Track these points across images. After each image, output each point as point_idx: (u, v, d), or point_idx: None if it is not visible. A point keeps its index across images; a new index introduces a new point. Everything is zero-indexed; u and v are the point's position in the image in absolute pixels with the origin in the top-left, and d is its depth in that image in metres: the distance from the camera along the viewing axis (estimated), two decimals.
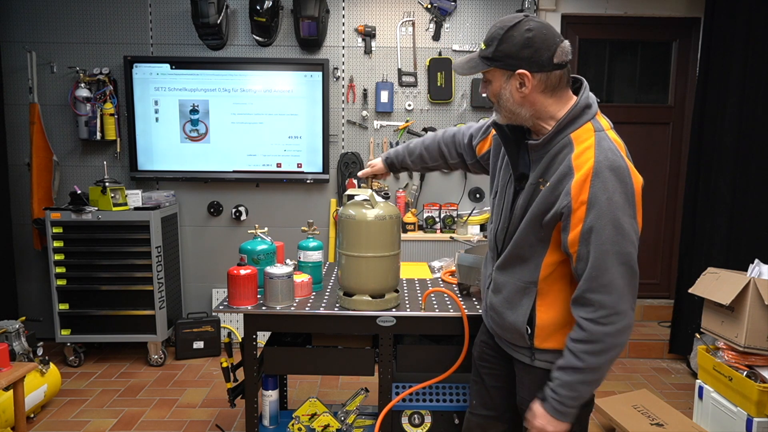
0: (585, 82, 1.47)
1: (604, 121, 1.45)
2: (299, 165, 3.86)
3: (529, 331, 1.49)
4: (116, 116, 3.73)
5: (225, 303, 2.08)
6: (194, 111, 3.79)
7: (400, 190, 3.90)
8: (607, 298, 1.31)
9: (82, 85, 3.67)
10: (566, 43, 1.37)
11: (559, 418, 1.39)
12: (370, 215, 1.88)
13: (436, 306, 2.06)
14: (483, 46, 1.41)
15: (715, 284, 2.69)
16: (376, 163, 2.01)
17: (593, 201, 1.31)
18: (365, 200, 1.93)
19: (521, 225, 1.47)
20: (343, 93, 3.88)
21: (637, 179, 1.37)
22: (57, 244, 3.43)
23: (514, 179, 1.52)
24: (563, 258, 1.43)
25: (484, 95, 1.48)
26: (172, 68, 3.75)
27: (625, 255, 1.31)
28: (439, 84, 3.82)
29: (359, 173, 2.05)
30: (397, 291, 2.05)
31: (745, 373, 2.49)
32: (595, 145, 1.36)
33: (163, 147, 3.82)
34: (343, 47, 3.85)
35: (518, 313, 1.50)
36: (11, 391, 2.44)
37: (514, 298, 1.52)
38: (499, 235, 1.57)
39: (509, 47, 1.35)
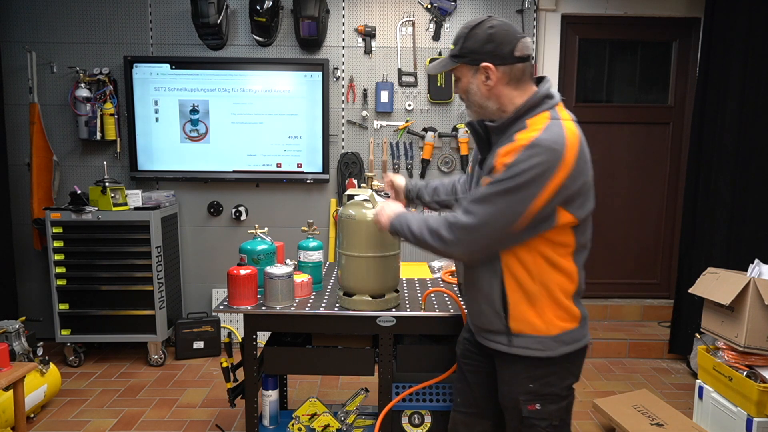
0: (549, 78, 1.55)
1: (564, 113, 1.49)
2: (299, 165, 3.86)
3: (503, 312, 1.53)
4: (116, 116, 3.73)
5: (225, 303, 2.08)
6: (194, 111, 3.79)
7: None
8: (465, 217, 1.44)
9: (82, 85, 3.67)
10: (527, 39, 1.48)
11: (391, 220, 1.65)
12: (370, 215, 1.88)
13: (436, 306, 2.06)
14: (452, 46, 1.54)
15: (715, 284, 2.69)
16: (399, 182, 1.99)
17: (511, 165, 1.38)
18: (365, 200, 1.93)
19: None
20: (343, 93, 3.88)
21: (564, 169, 1.38)
22: (57, 244, 3.43)
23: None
24: None
25: (457, 94, 1.54)
26: (172, 68, 3.75)
27: (499, 209, 1.40)
28: (439, 84, 3.82)
29: (383, 184, 2.05)
30: (397, 291, 2.05)
31: (745, 373, 2.49)
32: (545, 127, 1.42)
33: (163, 147, 3.82)
34: (343, 47, 3.85)
35: (490, 292, 1.54)
36: (11, 391, 2.44)
37: (483, 277, 1.56)
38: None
39: (473, 43, 1.47)
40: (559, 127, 1.42)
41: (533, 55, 1.48)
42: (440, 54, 3.82)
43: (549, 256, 1.48)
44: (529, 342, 1.51)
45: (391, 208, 1.70)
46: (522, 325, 1.52)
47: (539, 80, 1.55)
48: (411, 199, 2.00)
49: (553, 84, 1.54)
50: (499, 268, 1.51)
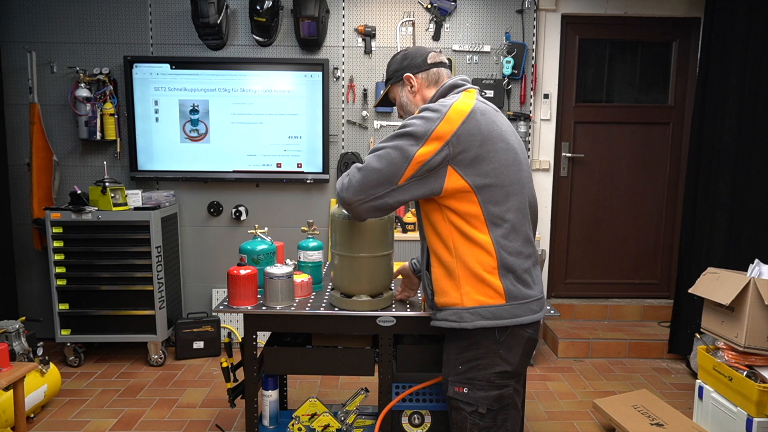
0: (461, 76, 1.74)
1: (469, 95, 1.63)
2: (299, 165, 3.86)
3: (431, 287, 1.66)
4: (116, 116, 3.73)
5: (225, 303, 2.08)
6: (194, 111, 3.79)
7: None
8: (355, 165, 1.60)
9: (82, 85, 3.67)
10: (438, 51, 1.77)
11: None
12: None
13: None
14: (385, 79, 1.82)
15: (715, 284, 2.69)
16: (403, 270, 2.05)
17: (404, 121, 1.59)
18: None
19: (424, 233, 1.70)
20: (343, 93, 3.88)
21: (445, 125, 1.51)
22: (57, 244, 3.43)
23: None
24: (432, 206, 1.60)
25: (400, 117, 1.80)
26: (172, 68, 3.75)
27: (383, 152, 1.53)
28: None
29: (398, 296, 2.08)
30: (391, 289, 2.05)
31: (745, 373, 2.49)
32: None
33: (163, 147, 3.82)
34: (343, 47, 3.85)
35: (425, 270, 1.69)
36: (11, 391, 2.44)
37: (423, 258, 1.72)
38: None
39: (394, 65, 1.76)
40: (451, 99, 1.59)
41: (446, 62, 1.74)
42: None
43: (461, 227, 1.55)
44: (448, 314, 1.61)
45: None
46: (443, 299, 1.62)
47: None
48: (417, 272, 2.03)
49: (465, 77, 1.74)
50: (426, 246, 1.66)
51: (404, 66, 1.73)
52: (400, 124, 1.61)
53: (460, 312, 1.57)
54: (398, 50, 1.84)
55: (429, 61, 1.72)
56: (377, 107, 1.89)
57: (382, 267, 1.94)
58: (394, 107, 2.10)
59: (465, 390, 1.58)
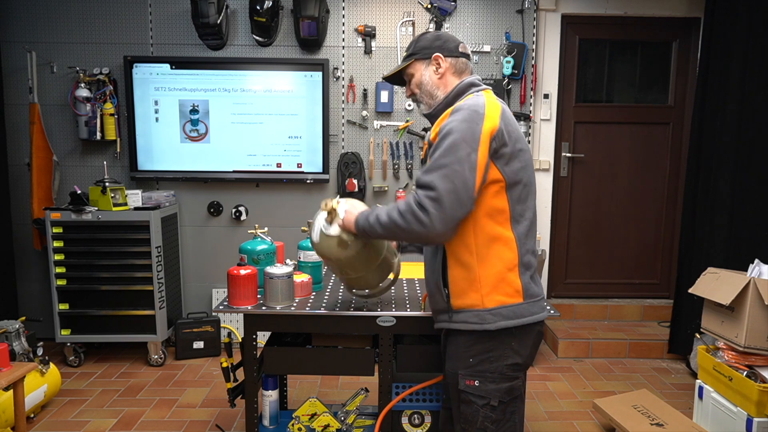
0: (476, 75, 1.74)
1: (489, 94, 1.62)
2: (299, 165, 3.86)
3: (446, 290, 1.61)
4: (116, 116, 3.73)
5: (225, 303, 2.08)
6: (194, 111, 3.79)
7: (400, 190, 3.90)
8: (422, 192, 1.49)
9: (82, 85, 3.67)
10: (465, 44, 1.74)
11: (355, 222, 1.65)
12: (334, 231, 1.70)
13: None
14: (405, 53, 1.78)
15: (715, 284, 2.69)
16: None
17: (442, 129, 1.53)
18: (325, 219, 1.73)
19: None
20: (343, 93, 3.88)
21: (489, 122, 1.51)
22: (57, 244, 3.43)
23: None
24: None
25: (408, 96, 1.79)
26: (172, 68, 3.75)
27: (449, 169, 1.46)
28: None
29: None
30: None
31: (745, 373, 2.49)
32: (465, 100, 1.59)
33: (163, 147, 3.82)
34: (343, 47, 3.85)
35: (435, 270, 1.64)
36: (11, 391, 2.44)
37: (431, 259, 1.68)
38: None
39: (424, 42, 1.72)
40: (479, 96, 1.58)
41: (471, 57, 1.72)
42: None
43: (486, 224, 1.54)
44: (468, 316, 1.57)
45: (351, 210, 1.68)
46: (461, 301, 1.58)
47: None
48: None
49: (480, 79, 1.74)
50: (441, 247, 1.61)
51: (436, 45, 1.69)
52: (438, 131, 1.55)
53: (481, 314, 1.56)
54: (426, 31, 1.82)
55: (460, 50, 1.71)
56: (386, 79, 1.85)
57: (385, 269, 1.92)
58: (395, 86, 2.09)
59: (476, 383, 1.57)
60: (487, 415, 1.58)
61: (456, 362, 1.62)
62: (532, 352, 1.63)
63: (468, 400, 1.59)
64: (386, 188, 3.90)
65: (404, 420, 2.10)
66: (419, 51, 1.72)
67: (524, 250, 1.57)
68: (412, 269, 2.65)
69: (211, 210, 3.95)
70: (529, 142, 3.93)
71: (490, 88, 1.72)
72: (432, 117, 1.70)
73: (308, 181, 3.87)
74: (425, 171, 1.51)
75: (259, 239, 2.21)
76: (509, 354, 1.57)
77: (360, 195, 3.84)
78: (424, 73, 1.71)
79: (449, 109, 1.58)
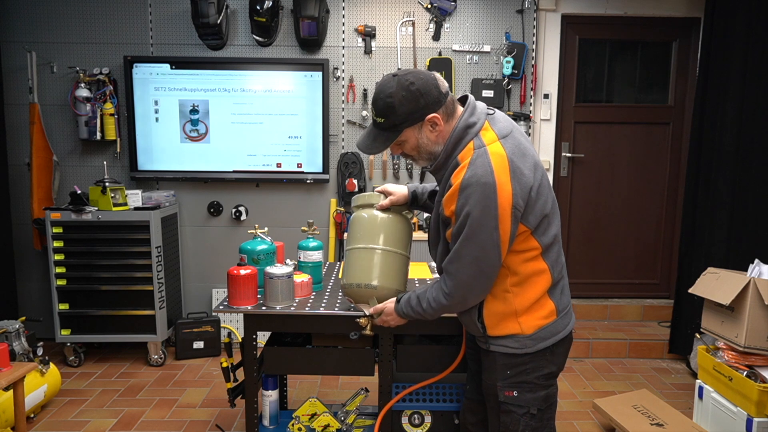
0: (470, 99, 1.57)
1: (489, 135, 1.51)
2: (299, 165, 3.86)
3: (481, 324, 1.60)
4: (116, 116, 3.73)
5: (225, 303, 2.08)
6: (194, 111, 3.79)
7: None
8: (449, 281, 1.53)
9: (82, 85, 3.66)
10: (435, 73, 1.55)
11: (402, 316, 1.70)
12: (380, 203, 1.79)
13: None
14: (380, 120, 1.53)
15: (715, 284, 2.69)
16: (398, 191, 1.82)
17: (458, 212, 1.47)
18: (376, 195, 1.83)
19: (440, 237, 1.63)
20: (343, 93, 3.88)
21: (503, 194, 1.44)
22: (57, 244, 3.43)
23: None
24: None
25: (398, 154, 1.63)
26: (172, 68, 3.75)
27: (471, 257, 1.47)
28: None
29: (380, 204, 1.81)
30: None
31: (745, 373, 2.49)
32: (469, 163, 1.46)
33: (163, 147, 3.82)
34: (343, 47, 3.85)
35: (467, 310, 1.61)
36: (11, 391, 2.44)
37: None
38: (431, 250, 1.73)
39: (407, 107, 1.49)
40: (483, 156, 1.46)
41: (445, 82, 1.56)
42: (440, 54, 3.83)
43: (519, 266, 1.54)
44: (507, 341, 1.58)
45: (387, 308, 1.74)
46: (498, 331, 1.59)
47: (462, 100, 1.59)
48: (417, 202, 1.87)
49: (473, 102, 1.56)
50: None
51: (422, 105, 1.48)
52: (452, 211, 1.48)
53: (521, 339, 1.57)
54: (391, 83, 1.49)
55: (442, 90, 1.51)
56: (368, 152, 1.62)
57: (399, 266, 1.80)
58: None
59: (515, 393, 1.59)
60: (528, 424, 1.60)
61: (493, 374, 1.62)
62: (565, 359, 1.66)
63: (508, 410, 1.61)
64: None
65: (404, 420, 2.10)
66: (407, 119, 1.50)
67: (556, 272, 1.58)
68: (412, 269, 2.64)
69: (211, 210, 3.95)
70: None
71: (484, 114, 1.54)
72: (435, 172, 1.59)
73: (308, 181, 3.87)
74: (451, 258, 1.51)
75: (259, 239, 2.21)
76: (545, 364, 1.59)
77: None
78: (419, 136, 1.54)
79: (455, 178, 1.47)
